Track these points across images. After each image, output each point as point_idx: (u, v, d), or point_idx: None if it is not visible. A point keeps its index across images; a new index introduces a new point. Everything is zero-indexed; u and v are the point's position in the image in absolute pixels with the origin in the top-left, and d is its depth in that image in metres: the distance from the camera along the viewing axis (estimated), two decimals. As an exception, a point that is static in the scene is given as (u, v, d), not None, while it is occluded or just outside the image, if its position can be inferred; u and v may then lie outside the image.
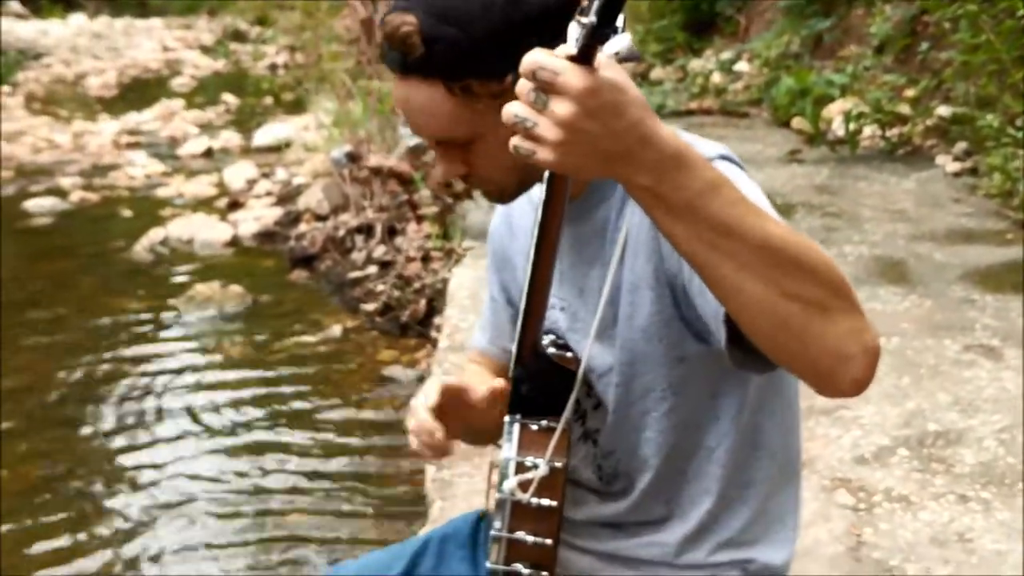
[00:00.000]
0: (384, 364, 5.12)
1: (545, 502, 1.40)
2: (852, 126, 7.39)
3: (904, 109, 7.51)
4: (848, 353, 1.08)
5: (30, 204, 8.53)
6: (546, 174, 1.17)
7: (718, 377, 1.46)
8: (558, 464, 1.40)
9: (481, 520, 1.82)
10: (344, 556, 3.50)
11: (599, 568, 1.60)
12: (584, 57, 0.96)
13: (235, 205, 8.19)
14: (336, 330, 5.57)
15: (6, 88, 15.54)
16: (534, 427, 1.43)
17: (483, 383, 1.66)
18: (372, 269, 6.11)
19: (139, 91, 15.88)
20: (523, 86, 0.98)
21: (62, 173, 9.66)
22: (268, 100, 13.93)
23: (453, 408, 1.47)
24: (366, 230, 6.52)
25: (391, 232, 6.29)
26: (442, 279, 5.62)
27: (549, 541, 1.40)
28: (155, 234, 7.38)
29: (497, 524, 1.43)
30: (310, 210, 7.27)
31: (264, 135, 11.06)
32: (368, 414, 4.63)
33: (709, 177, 1.03)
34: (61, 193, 8.87)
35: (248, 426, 4.60)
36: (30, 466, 4.24)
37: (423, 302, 5.52)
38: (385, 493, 3.94)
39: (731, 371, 1.41)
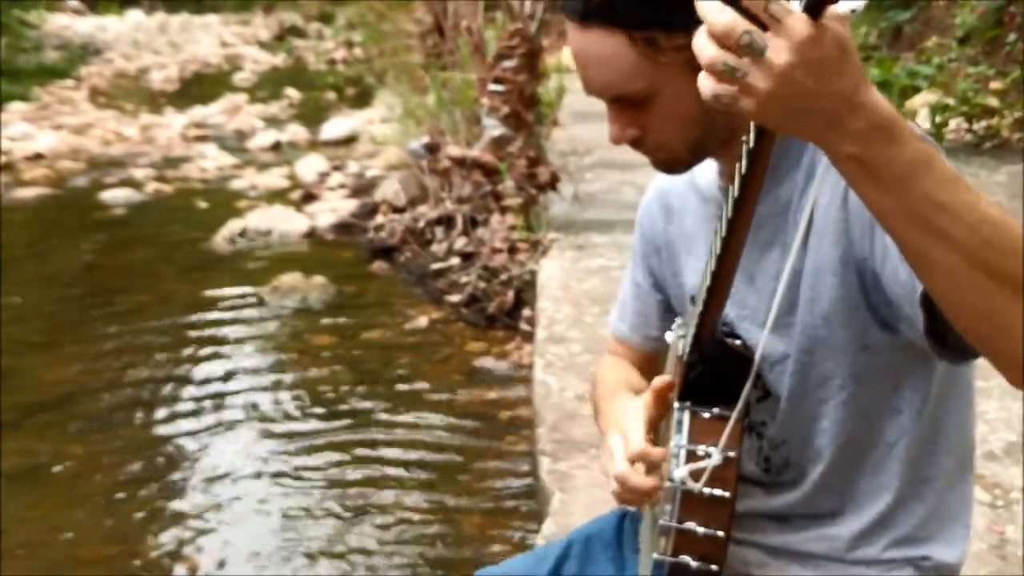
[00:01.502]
0: (474, 355, 5.07)
1: (717, 492, 1.34)
2: (938, 118, 7.25)
3: (992, 101, 7.36)
4: None
5: (105, 195, 8.59)
6: (746, 147, 1.08)
7: (902, 368, 1.40)
8: (731, 454, 1.34)
9: (624, 518, 1.78)
10: (454, 556, 3.45)
11: (766, 562, 1.54)
12: (812, 8, 0.89)
13: (310, 197, 8.19)
14: (422, 321, 5.53)
15: (70, 82, 15.69)
16: (706, 415, 1.38)
17: (638, 386, 1.64)
18: (455, 260, 6.07)
19: (201, 85, 15.99)
20: (734, 26, 0.90)
21: (134, 164, 9.74)
22: (330, 95, 13.96)
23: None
24: (446, 221, 6.47)
25: (473, 223, 6.24)
26: (529, 271, 5.56)
27: (721, 533, 1.34)
28: (234, 225, 7.39)
29: (665, 514, 1.36)
30: (387, 202, 7.26)
31: (331, 129, 11.10)
32: (465, 406, 4.58)
33: (921, 150, 0.97)
34: (135, 184, 8.93)
35: (347, 416, 4.55)
36: (115, 456, 4.19)
37: (510, 293, 5.47)
38: (494, 487, 3.88)
39: (916, 362, 1.39)
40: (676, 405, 1.40)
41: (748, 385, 1.37)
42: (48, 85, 14.88)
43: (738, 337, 1.48)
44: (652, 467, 1.40)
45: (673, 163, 1.43)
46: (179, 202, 8.51)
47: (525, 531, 3.52)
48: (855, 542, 1.48)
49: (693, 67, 1.32)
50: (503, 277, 5.59)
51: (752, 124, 1.03)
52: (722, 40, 0.91)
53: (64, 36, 20.11)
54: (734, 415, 1.35)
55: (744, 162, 1.11)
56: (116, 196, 8.56)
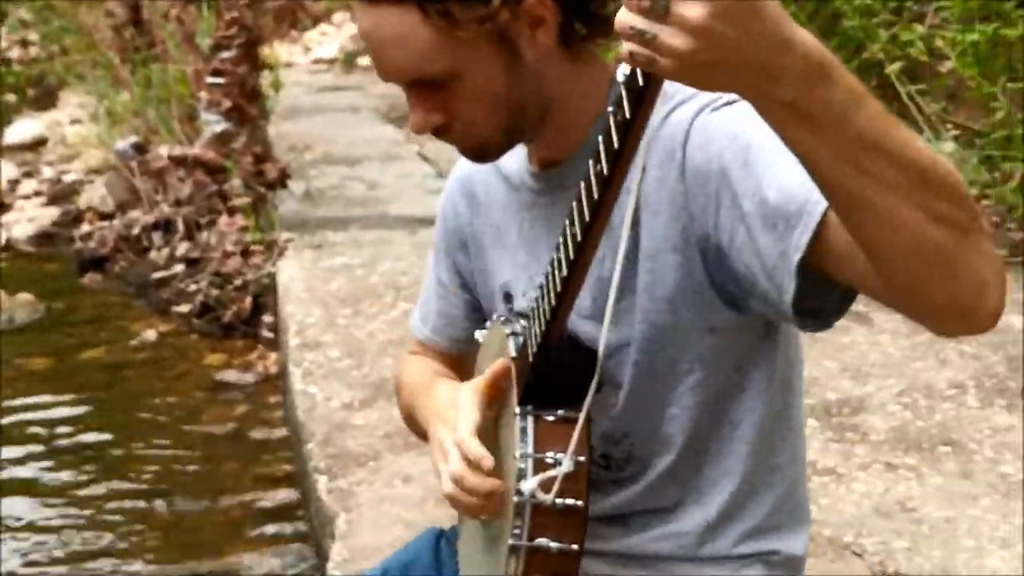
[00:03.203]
0: (214, 368, 4.71)
1: (570, 502, 1.24)
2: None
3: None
4: (987, 279, 0.99)
5: None
6: (615, 119, 0.97)
7: (746, 348, 1.33)
8: (582, 459, 1.25)
9: (440, 539, 1.65)
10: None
11: (615, 572, 1.43)
12: None
13: (1, 207, 7.46)
14: (150, 335, 5.10)
15: None
16: (550, 419, 1.28)
17: (442, 376, 1.53)
18: (179, 268, 5.63)
19: None
20: None
21: None
22: (10, 96, 12.91)
23: None
24: (164, 226, 6.01)
25: (197, 227, 5.81)
26: (267, 274, 5.22)
27: (575, 547, 1.26)
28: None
29: (513, 533, 1.25)
30: (92, 208, 6.72)
31: (15, 132, 10.21)
32: (211, 423, 4.20)
33: (853, 86, 0.91)
34: None
35: (73, 450, 4.07)
36: None
37: (248, 299, 5.12)
38: (257, 514, 3.55)
39: (760, 341, 1.34)
40: (516, 411, 1.28)
41: (594, 382, 1.26)
42: None
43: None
44: (476, 463, 1.29)
45: (485, 149, 1.32)
46: None
47: (302, 560, 3.23)
48: (703, 536, 1.39)
49: (496, 41, 1.20)
50: (238, 282, 5.22)
51: (625, 93, 0.94)
52: (627, 6, 0.86)
53: None
54: (582, 416, 1.24)
55: (616, 136, 0.98)
56: None
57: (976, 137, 5.18)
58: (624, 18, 0.85)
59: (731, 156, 1.18)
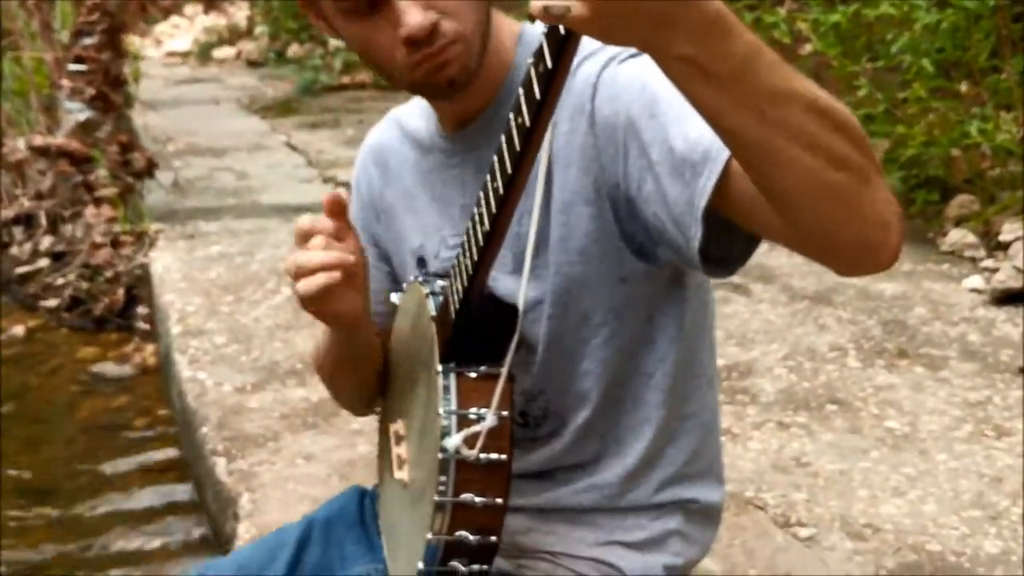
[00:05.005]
0: (88, 362, 4.54)
1: (494, 456, 1.24)
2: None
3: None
4: (888, 220, 1.02)
5: None
6: (537, 71, 0.97)
7: (655, 297, 1.36)
8: (505, 413, 1.25)
9: (364, 496, 1.65)
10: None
11: (532, 526, 1.46)
12: None
13: None
14: (18, 330, 4.89)
15: None
16: (472, 375, 1.27)
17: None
18: (44, 262, 5.42)
19: None
20: None
21: None
22: None
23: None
24: (25, 220, 5.78)
25: (61, 219, 5.60)
26: (139, 265, 5.08)
27: (500, 500, 1.25)
28: None
29: (439, 489, 1.24)
30: (-56, 205, 6.39)
31: None
32: (90, 419, 4.06)
33: (750, 39, 0.92)
34: None
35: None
36: None
37: (120, 291, 4.97)
38: (149, 504, 3.45)
39: (668, 289, 1.36)
40: (439, 368, 1.28)
41: (516, 337, 1.27)
42: None
43: None
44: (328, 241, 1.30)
45: (466, 64, 1.27)
46: None
47: (201, 542, 3.17)
48: (623, 486, 1.42)
49: None
50: (109, 274, 5.06)
51: (546, 43, 0.93)
52: None
53: None
54: (504, 371, 1.25)
55: (537, 87, 0.97)
56: None
57: (838, 115, 5.37)
58: None
59: (638, 107, 1.20)
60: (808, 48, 5.46)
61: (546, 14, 0.86)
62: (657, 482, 1.43)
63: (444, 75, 1.27)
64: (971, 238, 4.43)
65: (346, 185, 1.63)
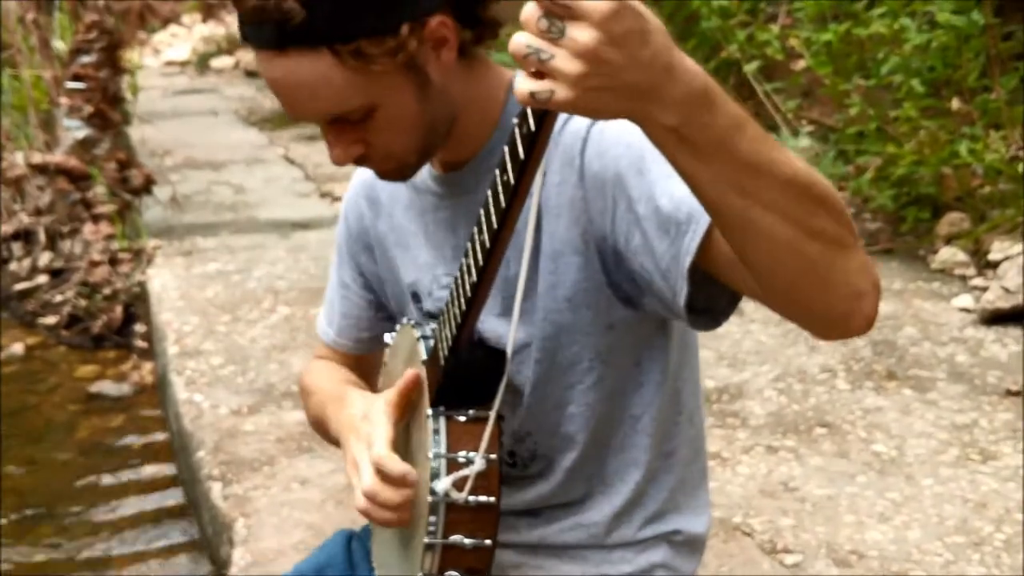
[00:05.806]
0: (87, 381, 4.58)
1: (483, 498, 1.29)
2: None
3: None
4: (862, 290, 1.06)
5: None
6: (520, 131, 1.00)
7: (642, 343, 1.40)
8: (493, 456, 1.30)
9: (351, 540, 1.69)
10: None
11: (521, 561, 1.50)
12: None
13: None
14: (17, 348, 4.93)
15: None
16: (461, 419, 1.32)
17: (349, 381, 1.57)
18: (42, 279, 5.47)
19: None
20: (532, 12, 0.88)
21: None
22: None
23: None
24: (24, 236, 5.82)
25: (59, 236, 5.64)
26: (137, 282, 5.12)
27: (488, 541, 1.31)
28: None
29: (428, 531, 1.29)
30: (-56, 220, 6.43)
31: None
32: (87, 439, 4.10)
33: (734, 112, 0.96)
34: None
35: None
36: None
37: (119, 309, 5.00)
38: (144, 526, 3.48)
39: (655, 335, 1.40)
40: (428, 412, 1.32)
41: (504, 381, 1.31)
42: None
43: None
44: (400, 481, 1.31)
45: (402, 171, 1.35)
46: None
47: (195, 565, 3.20)
48: (610, 525, 1.46)
49: (406, 69, 1.24)
50: (107, 292, 5.10)
51: (530, 108, 0.96)
52: (526, 29, 0.89)
53: None
54: (492, 414, 1.29)
55: (521, 147, 1.01)
56: None
57: (830, 132, 5.41)
58: (521, 39, 0.89)
59: (626, 163, 1.24)
60: (801, 64, 5.50)
61: (532, 99, 0.90)
62: (641, 520, 1.47)
63: (383, 176, 1.37)
64: (961, 256, 4.46)
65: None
